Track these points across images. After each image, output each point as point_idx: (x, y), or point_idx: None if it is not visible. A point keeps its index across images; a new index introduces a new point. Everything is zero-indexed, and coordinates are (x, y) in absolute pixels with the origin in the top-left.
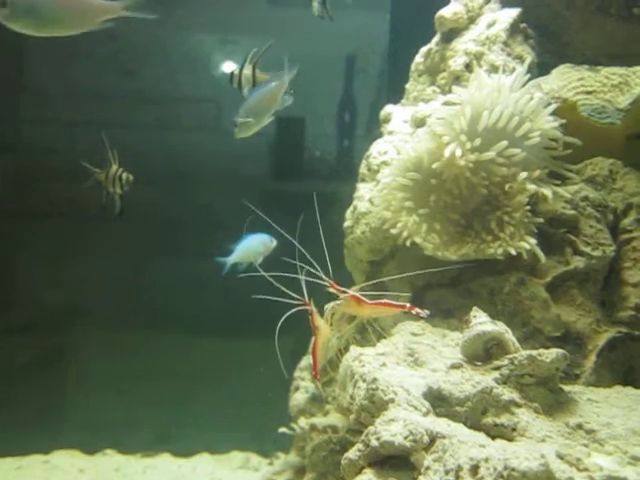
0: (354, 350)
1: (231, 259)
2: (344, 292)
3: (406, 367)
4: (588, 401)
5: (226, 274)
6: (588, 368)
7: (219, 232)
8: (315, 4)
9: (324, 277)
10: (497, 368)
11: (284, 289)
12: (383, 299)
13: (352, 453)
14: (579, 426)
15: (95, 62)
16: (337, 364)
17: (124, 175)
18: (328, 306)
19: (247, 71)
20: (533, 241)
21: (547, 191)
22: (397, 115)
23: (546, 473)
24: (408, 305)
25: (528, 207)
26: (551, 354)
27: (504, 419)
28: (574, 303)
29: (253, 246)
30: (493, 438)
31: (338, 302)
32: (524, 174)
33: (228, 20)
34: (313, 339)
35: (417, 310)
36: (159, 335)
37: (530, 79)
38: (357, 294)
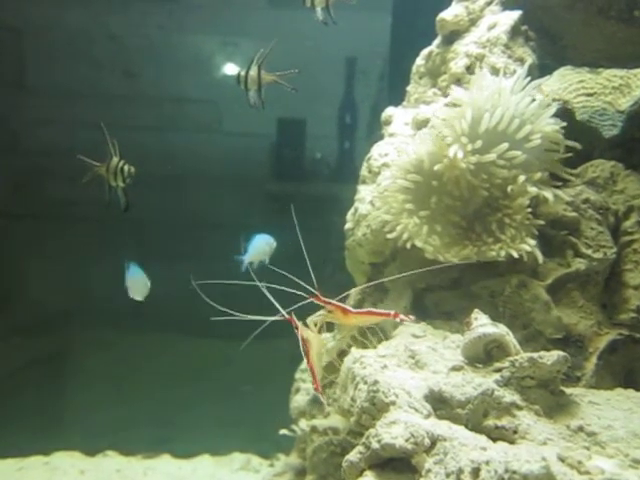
0: (355, 352)
1: (247, 258)
2: (329, 303)
3: (407, 369)
4: (589, 403)
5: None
6: (589, 370)
7: (219, 233)
8: (318, 9)
9: (310, 289)
10: (498, 370)
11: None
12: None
13: (353, 455)
14: (580, 429)
15: (95, 63)
16: (337, 367)
17: (125, 167)
18: (310, 319)
19: (253, 72)
20: (533, 242)
21: (548, 193)
22: (398, 117)
23: (547, 476)
24: (393, 312)
25: (529, 209)
26: (552, 356)
27: (505, 421)
28: (575, 305)
29: (261, 246)
30: (494, 440)
31: (319, 313)
32: (523, 177)
33: (229, 22)
34: (305, 353)
35: (402, 317)
36: (160, 336)
37: (531, 81)
38: (342, 304)
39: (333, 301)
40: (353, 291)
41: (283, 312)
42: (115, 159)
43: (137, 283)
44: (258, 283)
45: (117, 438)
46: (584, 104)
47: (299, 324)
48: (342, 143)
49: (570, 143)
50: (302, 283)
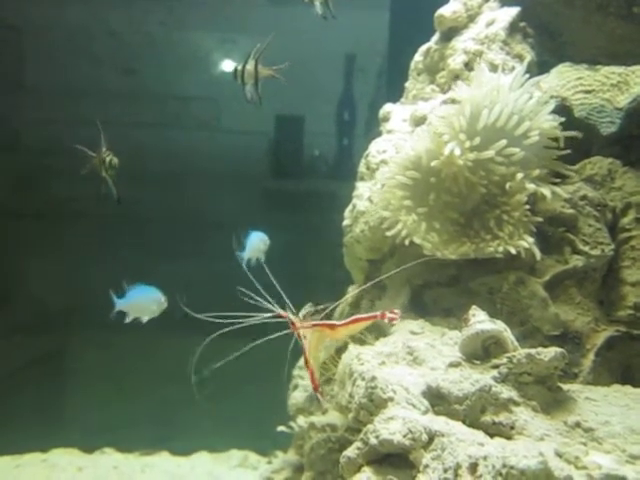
0: (353, 349)
1: (246, 255)
2: (314, 325)
3: (405, 365)
4: (586, 400)
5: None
6: (586, 367)
7: (217, 231)
8: (317, 3)
9: (292, 317)
10: (496, 366)
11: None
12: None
13: (351, 451)
14: (577, 424)
15: (95, 61)
16: (335, 364)
17: (107, 158)
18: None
19: (250, 67)
20: (531, 239)
21: (546, 190)
22: (396, 114)
23: (544, 471)
24: (379, 313)
25: (527, 206)
26: (549, 353)
27: (503, 417)
28: (573, 302)
29: (257, 243)
30: (492, 436)
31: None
32: (521, 174)
33: (228, 19)
34: (302, 351)
35: (389, 316)
36: (159, 335)
37: (529, 78)
38: (326, 322)
39: (316, 322)
40: (350, 289)
41: (279, 310)
42: (104, 150)
43: (153, 304)
44: (258, 288)
45: (115, 436)
46: (582, 101)
47: (296, 321)
48: (340, 140)
49: (571, 133)
50: (288, 309)
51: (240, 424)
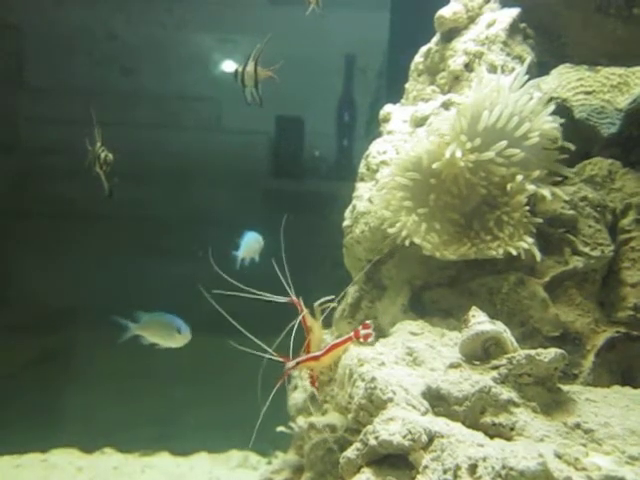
0: (353, 349)
1: (240, 254)
2: (298, 363)
3: (405, 366)
4: (586, 401)
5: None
6: (586, 368)
7: (218, 230)
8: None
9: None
10: (495, 367)
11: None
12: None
13: (350, 452)
14: (577, 426)
15: (94, 61)
16: (335, 364)
17: (102, 154)
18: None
19: (250, 68)
20: (531, 240)
21: (546, 191)
22: (396, 115)
23: (544, 472)
24: (352, 334)
25: (527, 207)
26: (549, 354)
27: (502, 418)
28: (573, 303)
29: (252, 243)
30: (491, 437)
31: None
32: (521, 176)
33: (229, 19)
34: (306, 341)
35: (363, 333)
36: None
37: (529, 79)
38: (307, 356)
39: (300, 359)
40: (350, 290)
41: (292, 294)
42: (98, 144)
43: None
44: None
45: (115, 436)
46: (582, 102)
47: (306, 311)
48: (340, 140)
49: (567, 145)
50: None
51: (240, 424)
